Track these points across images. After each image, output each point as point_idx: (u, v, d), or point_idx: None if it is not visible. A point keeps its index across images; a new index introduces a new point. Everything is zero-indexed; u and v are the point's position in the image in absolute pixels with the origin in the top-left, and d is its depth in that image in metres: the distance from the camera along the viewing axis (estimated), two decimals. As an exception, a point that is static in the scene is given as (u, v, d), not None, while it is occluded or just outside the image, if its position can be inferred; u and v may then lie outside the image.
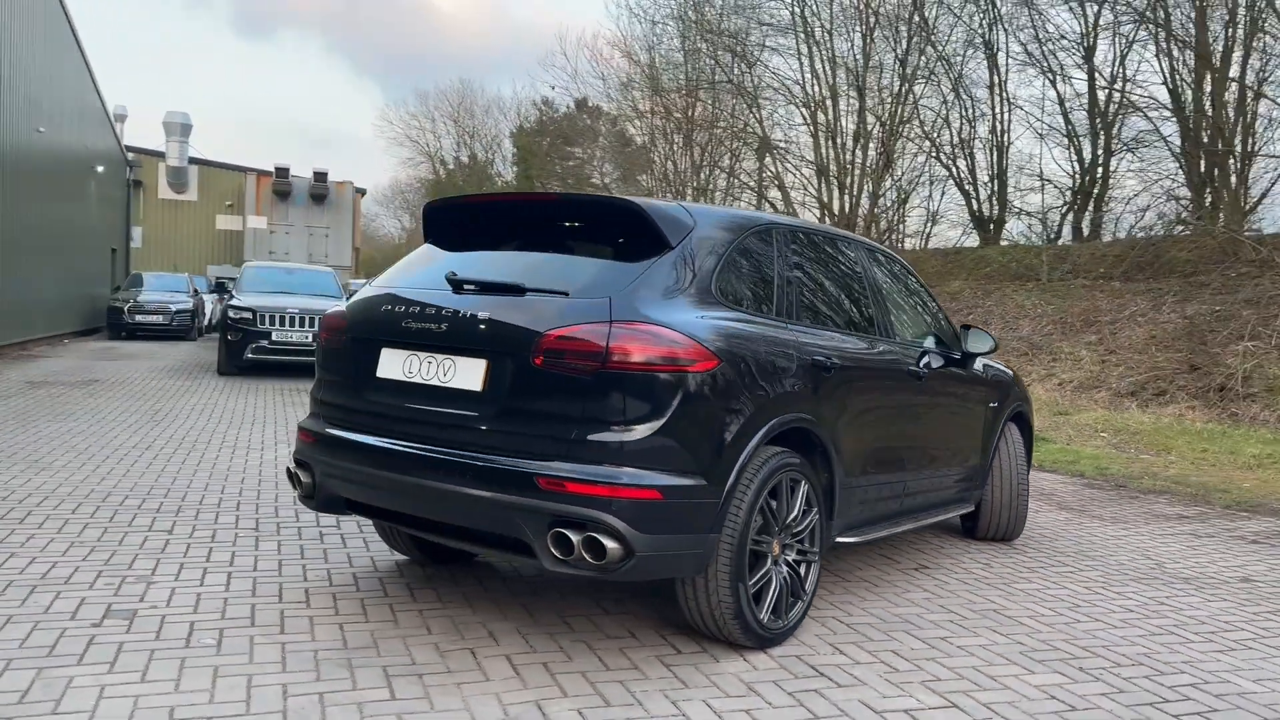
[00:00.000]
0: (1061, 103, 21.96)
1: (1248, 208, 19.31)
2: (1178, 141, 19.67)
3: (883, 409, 4.38)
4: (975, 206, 22.97)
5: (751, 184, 23.36)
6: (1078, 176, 22.27)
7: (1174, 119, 19.70)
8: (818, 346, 3.87)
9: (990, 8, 21.39)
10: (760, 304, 3.76)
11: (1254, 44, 18.10)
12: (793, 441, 3.66)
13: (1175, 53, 19.29)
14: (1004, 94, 22.55)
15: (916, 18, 20.53)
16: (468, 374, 3.40)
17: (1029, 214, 23.36)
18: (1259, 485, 8.19)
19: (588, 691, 3.12)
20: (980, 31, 21.79)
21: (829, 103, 20.83)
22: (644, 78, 26.58)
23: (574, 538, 3.06)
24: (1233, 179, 18.61)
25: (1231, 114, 19.07)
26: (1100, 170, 21.72)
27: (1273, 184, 19.40)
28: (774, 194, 22.73)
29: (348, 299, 4.24)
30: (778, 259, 3.96)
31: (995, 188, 22.78)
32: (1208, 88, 18.82)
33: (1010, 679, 3.46)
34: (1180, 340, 13.74)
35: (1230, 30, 18.19)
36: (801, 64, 21.03)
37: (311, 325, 13.28)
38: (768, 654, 3.55)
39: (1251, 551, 5.89)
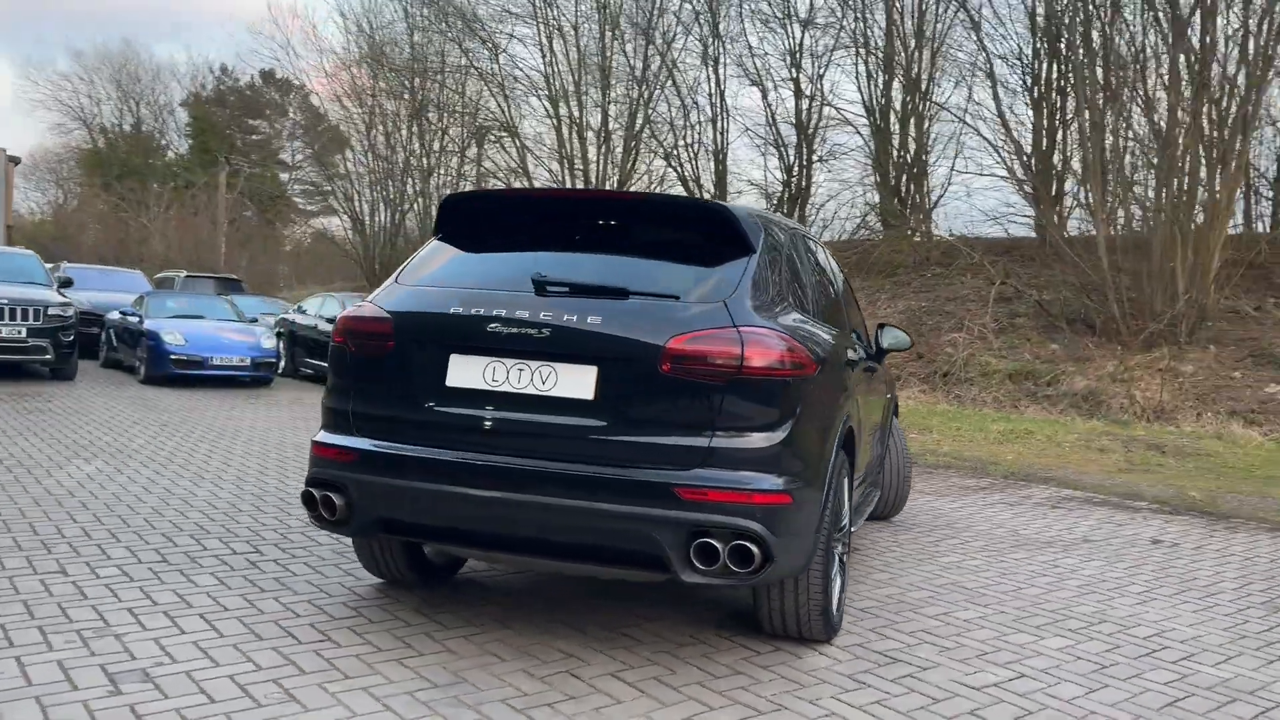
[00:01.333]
0: (772, 113, 23.91)
1: (925, 211, 22.19)
2: (872, 150, 22.20)
3: (860, 405, 4.66)
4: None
5: (498, 173, 23.10)
6: (784, 183, 24.37)
7: (869, 129, 22.18)
8: (843, 346, 4.06)
9: (711, 21, 22.73)
10: (803, 306, 3.86)
11: (937, 62, 20.82)
12: (844, 441, 3.82)
13: (870, 69, 21.69)
14: (723, 102, 24.15)
15: (649, 23, 21.38)
16: (574, 382, 3.20)
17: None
18: (1019, 457, 9.56)
19: (726, 703, 3.09)
20: (703, 41, 23.11)
21: (572, 98, 21.13)
22: (364, 55, 25.35)
23: (720, 547, 3.01)
24: (921, 187, 21.31)
25: (913, 126, 21.82)
26: (802, 176, 23.91)
27: (944, 191, 22.46)
28: (518, 184, 22.65)
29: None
30: (804, 260, 4.09)
31: (716, 193, 24.31)
32: (897, 101, 21.42)
33: (1031, 644, 3.86)
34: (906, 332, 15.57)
35: (918, 47, 20.77)
36: (544, 56, 21.16)
37: (26, 318, 11.38)
38: (834, 646, 3.69)
39: (1064, 515, 6.90)
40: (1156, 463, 9.34)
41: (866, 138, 22.01)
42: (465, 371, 3.33)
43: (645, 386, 3.14)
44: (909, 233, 20.59)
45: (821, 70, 23.07)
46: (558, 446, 3.20)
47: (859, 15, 21.20)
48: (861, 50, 21.66)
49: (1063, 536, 6.11)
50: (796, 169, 23.43)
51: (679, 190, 23.93)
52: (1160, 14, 14.29)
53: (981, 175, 27.18)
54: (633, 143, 21.56)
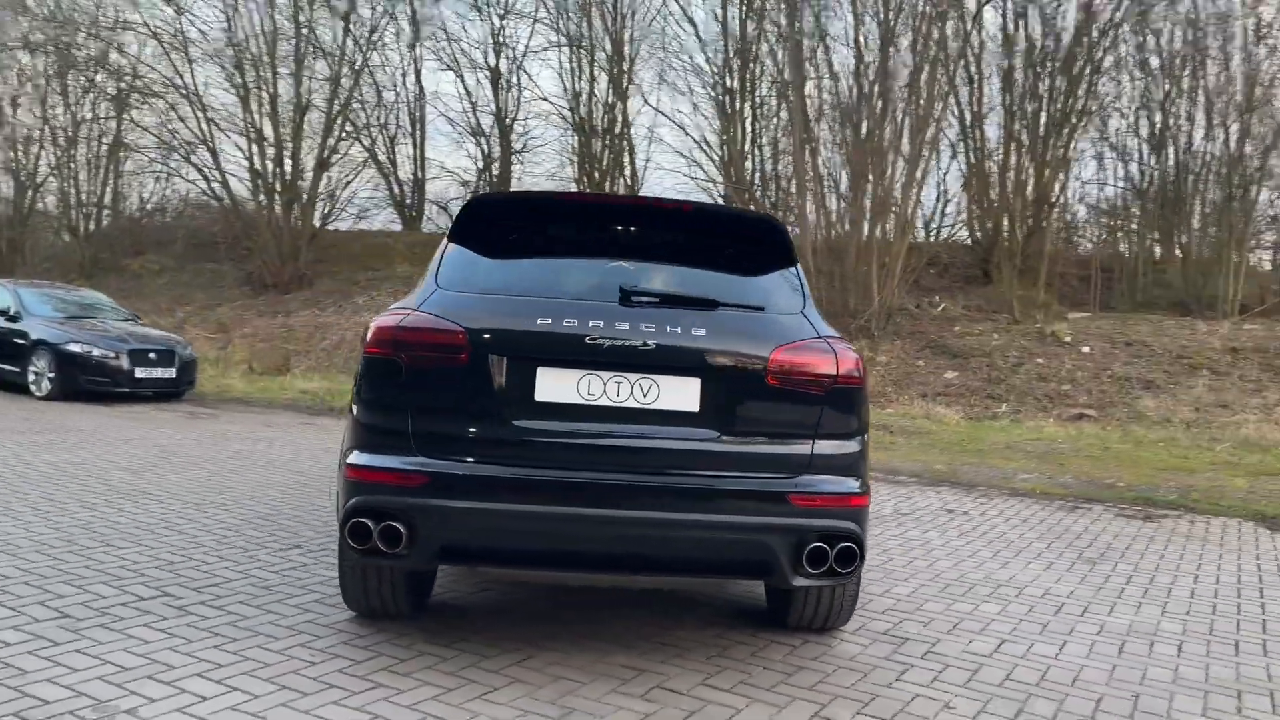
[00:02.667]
0: (471, 100, 23.73)
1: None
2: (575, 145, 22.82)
3: None
4: (397, 192, 23.57)
5: (176, 144, 20.53)
6: (479, 172, 24.30)
7: (572, 124, 22.76)
8: None
9: (410, 3, 22.04)
10: None
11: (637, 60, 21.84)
12: None
13: (573, 63, 22.24)
14: (420, 87, 23.56)
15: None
16: (678, 394, 3.18)
17: (437, 204, 24.78)
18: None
19: (810, 697, 3.26)
20: (400, 22, 22.33)
21: (265, 67, 19.41)
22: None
23: (829, 550, 3.16)
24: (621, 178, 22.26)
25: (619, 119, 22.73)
26: (502, 167, 24.00)
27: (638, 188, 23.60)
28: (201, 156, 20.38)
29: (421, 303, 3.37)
30: None
31: (416, 178, 23.69)
32: (600, 93, 22.21)
33: (975, 611, 4.42)
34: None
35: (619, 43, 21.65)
36: (231, 22, 19.19)
37: None
38: (847, 633, 3.97)
39: (892, 489, 7.76)
40: (890, 441, 10.69)
41: (567, 132, 22.62)
42: (556, 385, 3.17)
43: (751, 397, 3.21)
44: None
45: (519, 60, 23.31)
46: (665, 459, 3.17)
47: (559, 6, 21.65)
48: (563, 42, 22.16)
49: (881, 511, 6.89)
50: (497, 159, 23.47)
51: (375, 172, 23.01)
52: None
53: (680, 174, 28.80)
54: (336, 120, 20.30)
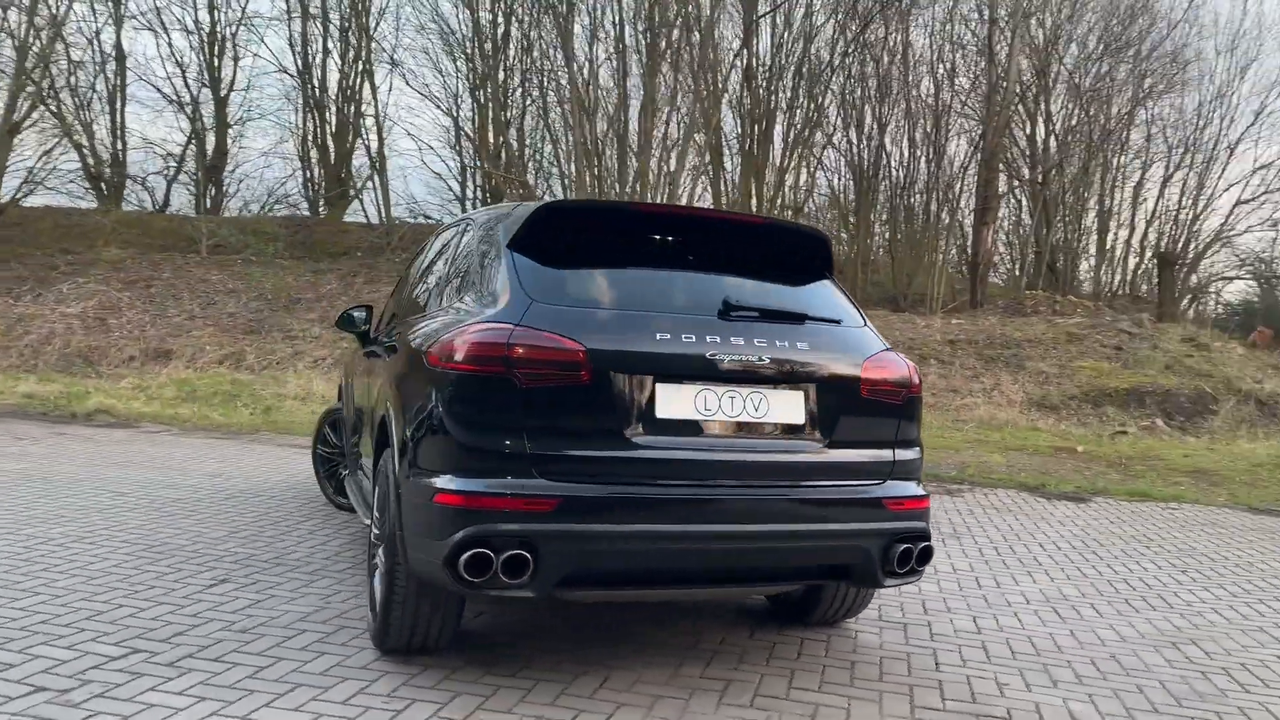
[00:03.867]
0: (182, 68, 21.47)
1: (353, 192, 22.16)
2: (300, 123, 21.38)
3: None
4: (92, 165, 20.73)
5: None
6: (185, 145, 22.08)
7: (300, 100, 21.31)
8: None
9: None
10: None
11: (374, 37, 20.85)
12: None
13: (302, 35, 20.82)
14: (120, 48, 20.93)
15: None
16: (785, 406, 3.26)
17: (137, 179, 22.19)
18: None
19: (892, 689, 3.50)
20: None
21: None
22: None
23: (914, 549, 3.39)
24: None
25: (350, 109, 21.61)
26: (218, 141, 21.94)
27: (369, 177, 22.56)
28: None
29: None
30: None
31: (115, 150, 21.00)
32: (332, 73, 20.97)
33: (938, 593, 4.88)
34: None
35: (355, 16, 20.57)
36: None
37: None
38: (860, 623, 4.24)
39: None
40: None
41: (293, 105, 21.15)
42: (675, 401, 3.13)
43: (848, 408, 3.35)
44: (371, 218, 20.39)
45: (236, 24, 21.45)
46: (778, 472, 3.24)
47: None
48: (295, 12, 20.68)
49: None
50: (211, 130, 21.44)
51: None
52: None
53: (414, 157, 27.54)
54: (25, 82, 17.45)
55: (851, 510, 3.31)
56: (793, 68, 19.22)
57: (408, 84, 34.56)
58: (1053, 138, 21.14)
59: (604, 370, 3.07)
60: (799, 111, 19.45)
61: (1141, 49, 20.71)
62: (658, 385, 3.13)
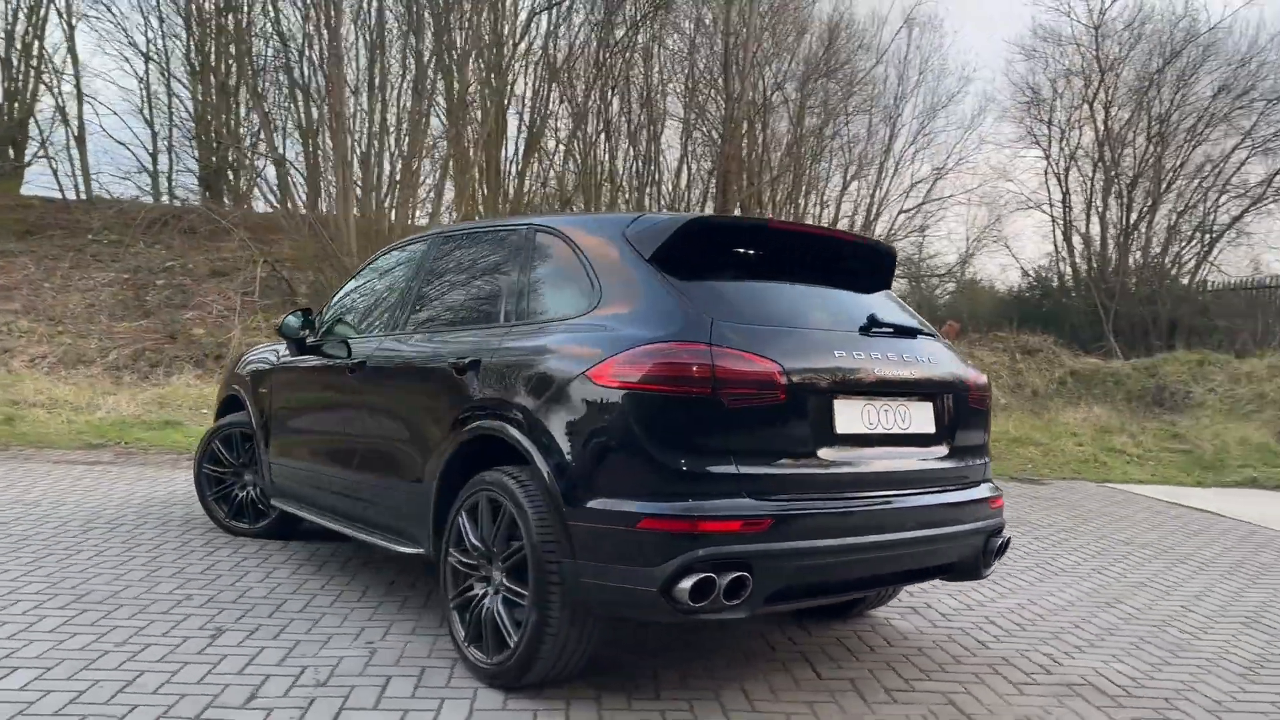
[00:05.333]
0: None
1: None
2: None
3: None
4: None
5: None
6: None
7: None
8: None
9: None
10: None
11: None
12: None
13: None
14: None
15: None
16: (922, 418, 3.46)
17: None
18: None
19: (968, 676, 3.85)
20: None
21: None
22: None
23: (1001, 543, 3.74)
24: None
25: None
26: None
27: (43, 143, 19.57)
28: None
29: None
30: None
31: None
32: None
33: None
34: (132, 309, 13.78)
35: None
36: None
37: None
38: (876, 614, 4.54)
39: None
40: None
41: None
42: (849, 416, 3.23)
43: (960, 417, 3.61)
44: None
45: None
46: (925, 479, 3.43)
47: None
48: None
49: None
50: None
51: None
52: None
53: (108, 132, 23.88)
54: None
55: (971, 510, 3.58)
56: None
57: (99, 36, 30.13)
58: (775, 152, 22.98)
59: (795, 388, 3.10)
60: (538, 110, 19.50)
61: (843, 73, 23.05)
62: (835, 401, 3.21)
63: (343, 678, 3.37)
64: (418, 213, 16.09)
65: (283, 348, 5.29)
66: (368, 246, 14.82)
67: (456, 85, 15.96)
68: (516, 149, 18.51)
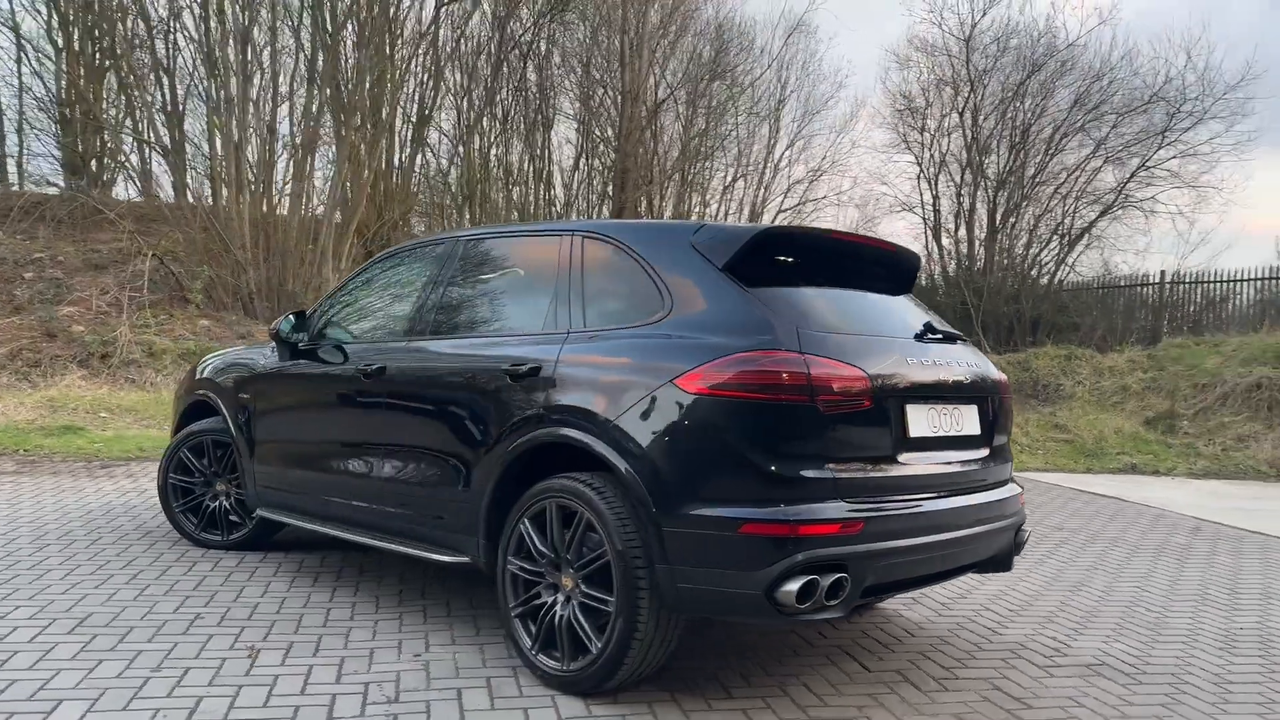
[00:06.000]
0: None
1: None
2: None
3: None
4: None
5: None
6: None
7: None
8: None
9: None
10: None
11: None
12: None
13: None
14: None
15: None
16: (970, 421, 3.64)
17: None
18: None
19: (1001, 664, 4.09)
20: None
21: None
22: None
23: (1025, 536, 3.97)
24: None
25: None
26: None
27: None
28: None
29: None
30: None
31: None
32: None
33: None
34: (2, 305, 12.76)
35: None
36: None
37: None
38: (889, 607, 4.73)
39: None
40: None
41: None
42: (919, 420, 3.37)
43: (998, 418, 3.81)
44: None
45: None
46: (972, 479, 3.60)
47: None
48: None
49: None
50: None
51: None
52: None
53: None
54: None
55: (1008, 506, 3.79)
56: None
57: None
58: (672, 151, 23.26)
59: (879, 394, 3.22)
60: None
61: (731, 76, 23.53)
62: (907, 407, 3.34)
63: (413, 693, 3.29)
64: (313, 202, 15.48)
65: (268, 351, 5.06)
66: (262, 240, 14.23)
67: (349, 73, 15.43)
68: (404, 141, 18.12)
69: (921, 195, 24.02)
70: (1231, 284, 18.21)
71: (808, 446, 3.07)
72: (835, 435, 3.12)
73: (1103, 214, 22.15)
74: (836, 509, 3.06)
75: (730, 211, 25.43)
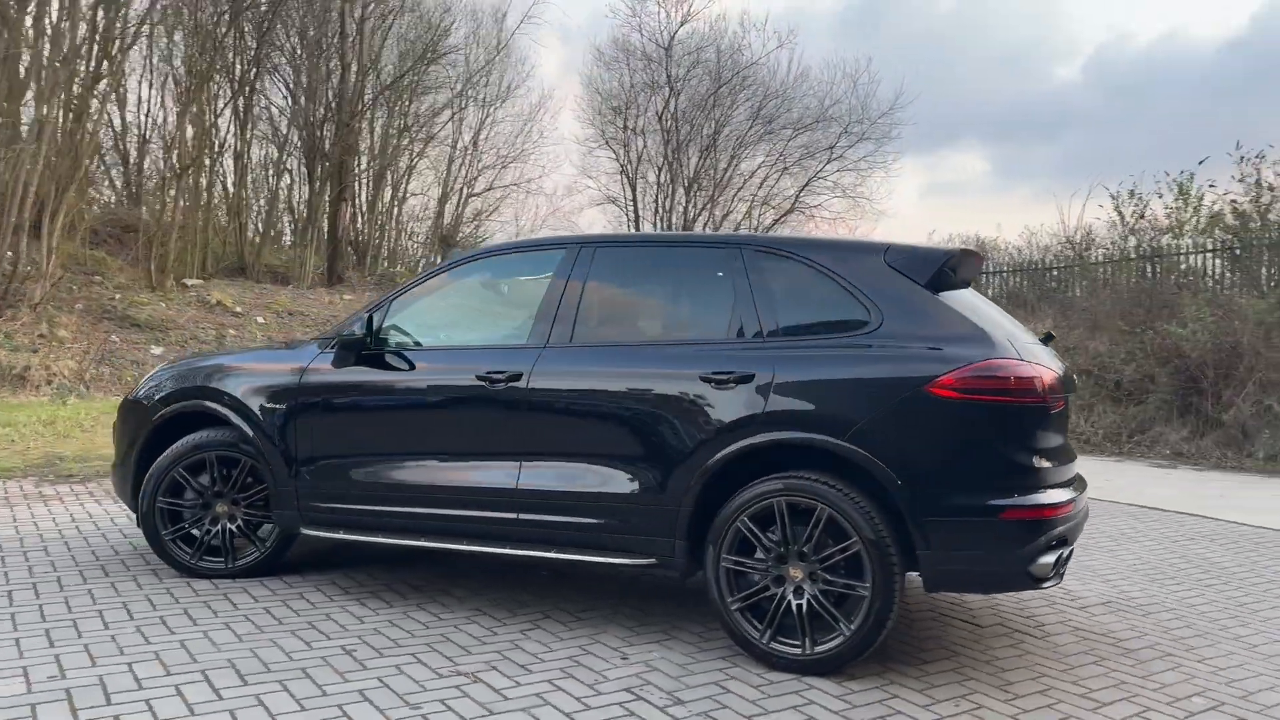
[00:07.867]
0: None
1: None
2: None
3: None
4: None
5: None
6: None
7: None
8: None
9: None
10: None
11: None
12: None
13: None
14: None
15: None
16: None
17: None
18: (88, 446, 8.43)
19: (1083, 653, 4.87)
20: None
21: None
22: None
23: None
24: None
25: None
26: None
27: None
28: None
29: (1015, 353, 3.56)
30: None
31: None
32: None
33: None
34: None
35: None
36: None
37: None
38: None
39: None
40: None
41: None
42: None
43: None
44: None
45: None
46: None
47: None
48: None
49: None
50: None
51: None
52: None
53: None
54: None
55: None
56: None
57: None
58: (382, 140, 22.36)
59: (1056, 396, 3.76)
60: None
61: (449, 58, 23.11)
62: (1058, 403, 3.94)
63: (683, 693, 3.32)
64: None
65: (300, 354, 4.54)
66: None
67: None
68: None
69: (623, 189, 25.34)
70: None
71: (1043, 441, 3.57)
72: (1053, 430, 3.67)
73: (781, 218, 24.89)
74: (1061, 493, 3.61)
75: (414, 193, 24.69)
